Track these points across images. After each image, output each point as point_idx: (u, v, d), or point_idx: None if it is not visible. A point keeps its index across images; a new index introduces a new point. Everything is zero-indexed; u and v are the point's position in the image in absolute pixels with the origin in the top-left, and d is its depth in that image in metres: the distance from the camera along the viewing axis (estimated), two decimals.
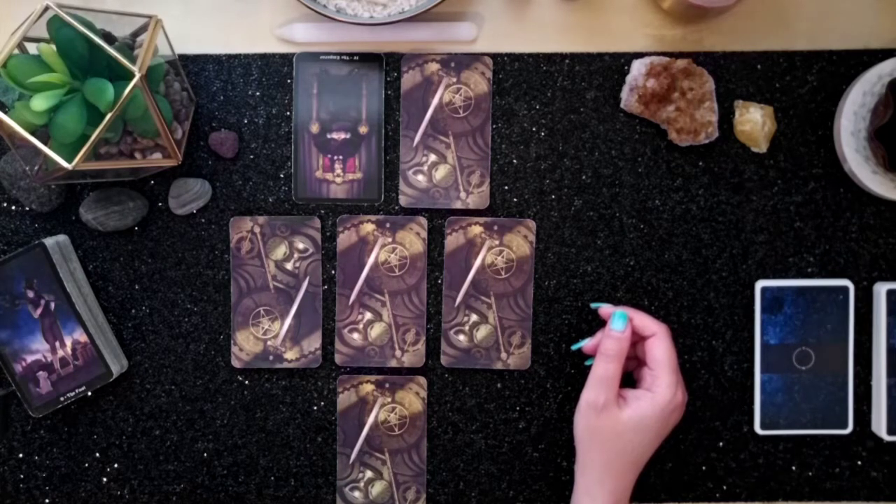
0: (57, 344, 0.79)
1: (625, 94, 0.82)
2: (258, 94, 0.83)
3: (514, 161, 0.83)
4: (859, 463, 0.84)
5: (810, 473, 0.84)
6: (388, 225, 0.83)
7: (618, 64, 0.83)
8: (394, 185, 0.83)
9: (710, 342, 0.84)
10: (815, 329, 0.82)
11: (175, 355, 0.84)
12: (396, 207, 0.83)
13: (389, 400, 0.83)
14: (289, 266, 0.83)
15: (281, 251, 0.83)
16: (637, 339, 0.77)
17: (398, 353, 0.83)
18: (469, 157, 0.83)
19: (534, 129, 0.83)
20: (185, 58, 0.83)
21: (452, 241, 0.83)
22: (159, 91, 0.76)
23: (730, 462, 0.84)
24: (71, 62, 0.69)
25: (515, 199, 0.83)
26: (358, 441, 0.83)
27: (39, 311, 0.79)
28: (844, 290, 0.82)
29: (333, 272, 0.83)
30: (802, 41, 0.83)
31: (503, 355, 0.83)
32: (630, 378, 0.81)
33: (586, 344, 0.78)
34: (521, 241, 0.83)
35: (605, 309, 0.79)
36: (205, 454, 0.84)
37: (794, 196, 0.83)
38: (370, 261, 0.83)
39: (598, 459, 0.74)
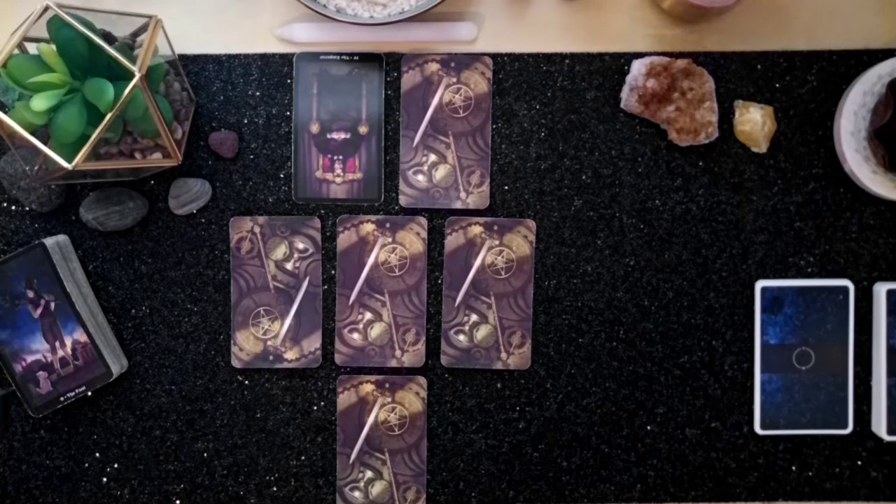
0: (57, 344, 0.79)
1: (625, 94, 0.81)
2: (258, 94, 0.83)
3: (514, 161, 0.83)
4: (859, 463, 0.84)
5: (810, 473, 0.84)
6: (388, 225, 0.83)
7: (618, 64, 0.83)
8: (394, 185, 0.83)
9: (710, 342, 0.84)
10: (815, 329, 0.82)
11: (175, 355, 0.84)
12: (396, 207, 0.83)
13: (389, 400, 0.83)
14: (289, 266, 0.83)
15: (281, 251, 0.83)
16: None
17: (398, 353, 0.83)
18: (469, 157, 0.83)
19: (534, 129, 0.83)
20: (185, 58, 0.83)
21: (452, 241, 0.83)
22: (159, 91, 0.76)
23: (730, 462, 0.84)
24: (71, 62, 0.69)
25: (515, 199, 0.83)
26: (358, 441, 0.83)
27: (39, 311, 0.79)
28: (844, 290, 0.82)
29: (333, 272, 0.83)
30: (802, 41, 0.83)
31: (503, 355, 0.83)
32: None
33: None
34: (521, 241, 0.83)
35: None
36: (205, 454, 0.84)
37: (794, 196, 0.83)
38: (370, 261, 0.83)
39: None
